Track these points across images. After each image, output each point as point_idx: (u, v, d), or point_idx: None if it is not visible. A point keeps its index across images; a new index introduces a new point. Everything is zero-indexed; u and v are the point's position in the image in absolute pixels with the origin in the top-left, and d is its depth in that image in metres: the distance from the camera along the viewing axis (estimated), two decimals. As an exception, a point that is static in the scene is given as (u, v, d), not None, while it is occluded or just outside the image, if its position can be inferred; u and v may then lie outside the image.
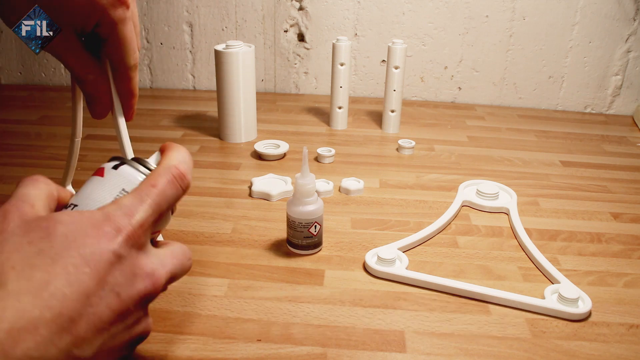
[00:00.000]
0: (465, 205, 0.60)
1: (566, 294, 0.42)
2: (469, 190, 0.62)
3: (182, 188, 0.31)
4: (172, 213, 0.34)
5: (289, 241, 0.50)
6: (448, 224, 0.55)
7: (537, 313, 0.42)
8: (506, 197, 0.61)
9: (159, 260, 0.29)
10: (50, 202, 0.30)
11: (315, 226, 0.47)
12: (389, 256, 0.47)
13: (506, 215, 0.58)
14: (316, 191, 0.60)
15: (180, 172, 0.31)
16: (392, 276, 0.46)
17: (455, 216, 0.57)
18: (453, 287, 0.44)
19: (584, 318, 0.42)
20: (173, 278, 0.31)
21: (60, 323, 0.24)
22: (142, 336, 0.30)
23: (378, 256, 0.47)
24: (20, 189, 0.29)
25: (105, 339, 0.26)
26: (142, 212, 0.28)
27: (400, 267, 0.47)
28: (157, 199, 0.29)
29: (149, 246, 0.29)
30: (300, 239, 0.48)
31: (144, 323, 0.29)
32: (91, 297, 0.25)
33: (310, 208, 0.47)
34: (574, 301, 0.42)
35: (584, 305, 0.42)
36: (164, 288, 0.30)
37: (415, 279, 0.45)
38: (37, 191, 0.29)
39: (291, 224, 0.48)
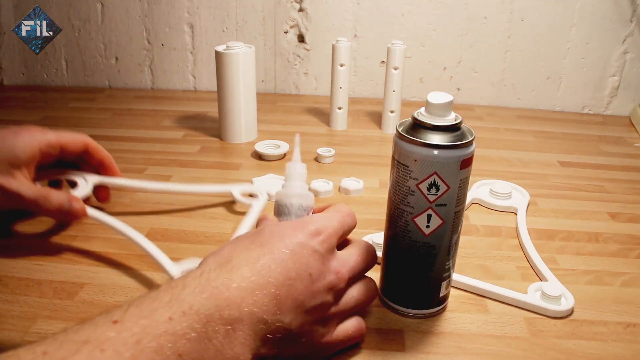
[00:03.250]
0: (474, 202, 0.61)
1: (549, 292, 0.43)
2: (482, 190, 0.62)
3: (354, 223, 0.38)
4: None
5: None
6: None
7: (521, 308, 0.43)
8: (518, 197, 0.61)
9: (342, 260, 0.36)
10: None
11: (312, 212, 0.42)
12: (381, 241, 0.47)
13: (507, 216, 0.58)
14: (315, 192, 0.61)
15: (353, 215, 0.38)
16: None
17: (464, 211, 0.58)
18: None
19: (565, 316, 0.42)
20: (356, 273, 0.36)
21: (268, 289, 0.31)
22: (333, 324, 0.35)
23: (372, 240, 0.49)
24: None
25: (302, 310, 0.32)
26: (335, 222, 0.36)
27: None
28: (344, 219, 0.37)
29: (336, 250, 0.36)
30: None
31: (334, 314, 0.35)
32: (290, 272, 0.32)
33: (305, 192, 0.41)
34: (557, 298, 0.43)
35: (566, 302, 0.43)
36: (348, 282, 0.35)
37: None
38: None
39: (284, 210, 0.40)
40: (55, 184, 0.54)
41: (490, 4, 0.91)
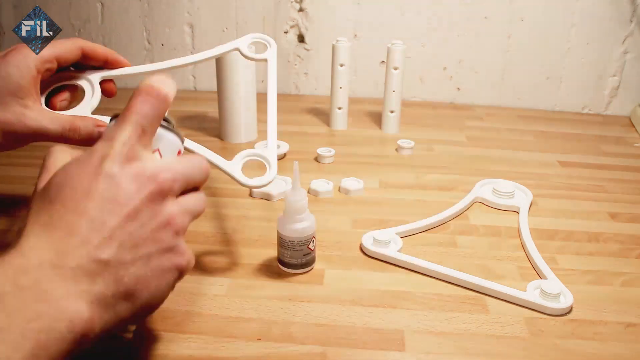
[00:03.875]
0: (477, 201, 0.61)
1: (548, 289, 0.43)
2: (485, 189, 0.63)
3: (156, 99, 0.33)
4: (172, 126, 0.37)
5: (284, 262, 0.46)
6: (454, 217, 0.56)
7: (520, 306, 0.43)
8: (521, 196, 0.61)
9: (162, 164, 0.31)
10: None
11: (313, 241, 0.46)
12: (384, 238, 0.49)
13: (507, 215, 0.58)
14: (316, 193, 0.61)
15: (148, 86, 0.33)
16: (385, 257, 0.48)
17: (465, 210, 0.59)
18: (439, 272, 0.46)
19: (563, 313, 0.42)
20: (184, 182, 0.32)
21: (66, 236, 0.28)
22: (172, 236, 0.31)
23: (374, 238, 0.49)
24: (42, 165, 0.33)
25: (124, 238, 0.29)
26: (120, 133, 0.30)
27: (394, 249, 0.49)
28: (132, 118, 0.31)
29: (147, 155, 0.31)
30: (299, 258, 0.45)
31: (168, 220, 0.31)
32: (87, 209, 0.28)
33: (306, 224, 0.44)
34: (556, 296, 0.43)
35: (565, 300, 0.43)
36: (172, 189, 0.31)
37: (405, 262, 0.48)
38: (54, 161, 0.33)
39: (288, 244, 0.45)
40: (58, 90, 0.49)
41: (491, 4, 0.91)
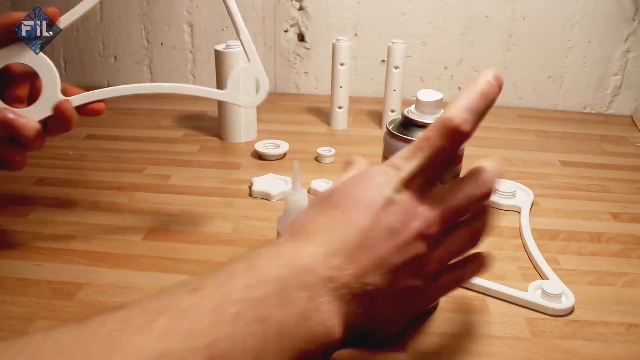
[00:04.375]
0: None
1: (549, 290, 0.43)
2: None
3: (454, 138, 0.31)
4: (459, 162, 0.37)
5: None
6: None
7: (522, 306, 0.43)
8: (522, 196, 0.61)
9: (435, 200, 0.31)
10: None
11: None
12: None
13: (509, 215, 0.58)
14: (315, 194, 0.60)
15: (448, 124, 0.30)
16: None
17: None
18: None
19: (565, 314, 0.42)
20: (457, 210, 0.31)
21: (345, 253, 0.29)
22: (428, 276, 0.31)
23: None
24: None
25: (388, 269, 0.29)
26: (413, 163, 0.31)
27: None
28: (427, 151, 0.31)
29: (428, 187, 0.31)
30: None
31: (428, 262, 0.31)
32: (367, 231, 0.29)
33: None
34: (557, 297, 0.42)
35: (567, 301, 0.43)
36: (445, 224, 0.31)
37: None
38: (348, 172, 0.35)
39: None
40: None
41: (492, 3, 0.91)
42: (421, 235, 0.30)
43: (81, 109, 0.44)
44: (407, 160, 0.31)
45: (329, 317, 0.27)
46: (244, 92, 0.45)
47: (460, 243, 0.32)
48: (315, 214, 0.31)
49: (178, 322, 0.24)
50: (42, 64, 0.42)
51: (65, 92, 0.43)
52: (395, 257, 0.29)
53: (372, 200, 0.30)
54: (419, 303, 0.33)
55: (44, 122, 0.43)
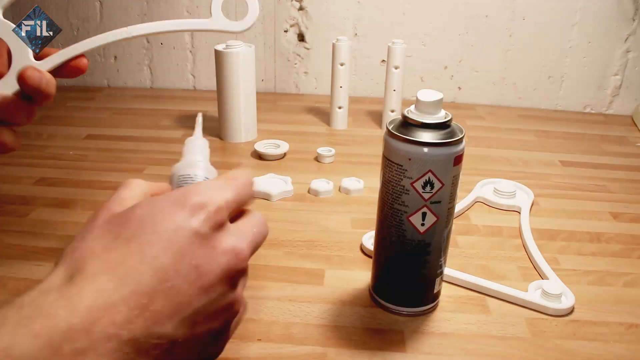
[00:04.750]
0: (478, 201, 0.60)
1: (549, 290, 0.43)
2: (486, 189, 0.62)
3: (251, 193, 0.31)
4: (459, 163, 0.36)
5: None
6: (455, 217, 0.56)
7: (522, 306, 0.43)
8: (522, 196, 0.61)
9: (239, 235, 0.28)
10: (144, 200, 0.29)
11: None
12: None
13: (509, 215, 0.58)
14: (317, 191, 0.60)
15: (249, 177, 0.31)
16: None
17: (466, 210, 0.58)
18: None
19: (565, 314, 0.42)
20: (255, 248, 0.30)
21: (136, 299, 0.24)
22: (233, 314, 0.28)
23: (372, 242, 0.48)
24: (116, 192, 0.30)
25: (188, 314, 0.25)
26: (225, 193, 0.28)
27: None
28: (238, 188, 0.29)
29: (228, 224, 0.28)
30: None
31: (234, 302, 0.28)
32: (168, 271, 0.25)
33: (210, 166, 0.36)
34: (557, 297, 0.42)
35: (567, 301, 0.43)
36: (246, 267, 0.29)
37: None
38: (130, 192, 0.30)
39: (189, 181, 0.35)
40: None
41: (492, 3, 0.91)
42: (229, 273, 0.27)
43: (61, 71, 0.40)
44: (220, 186, 0.28)
45: None
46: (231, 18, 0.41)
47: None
48: (104, 247, 0.25)
49: None
50: (2, 29, 0.38)
51: (44, 57, 0.39)
52: (199, 300, 0.26)
53: (175, 232, 0.26)
54: (221, 345, 0.29)
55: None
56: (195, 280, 0.25)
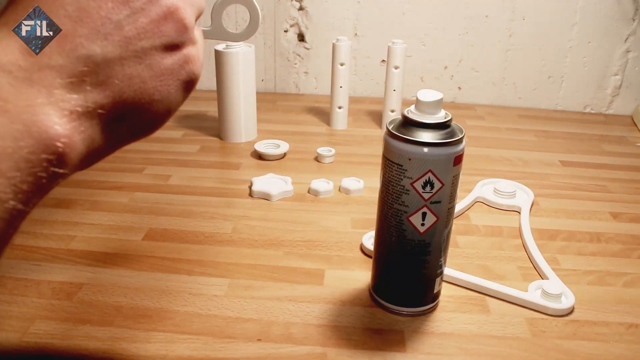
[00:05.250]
0: (478, 201, 0.60)
1: (549, 290, 0.43)
2: (486, 189, 0.62)
3: None
4: (459, 163, 0.35)
5: None
6: (455, 217, 0.56)
7: (522, 306, 0.43)
8: (522, 196, 0.61)
9: None
10: None
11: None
12: None
13: (509, 215, 0.58)
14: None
15: None
16: None
17: (466, 210, 0.58)
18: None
19: (565, 314, 0.42)
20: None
21: (55, 25, 0.22)
22: (177, 32, 0.25)
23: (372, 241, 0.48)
24: None
25: (110, 30, 0.22)
26: None
27: None
28: None
29: None
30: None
31: (170, 13, 0.24)
32: None
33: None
34: (557, 297, 0.42)
35: (567, 301, 0.43)
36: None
37: None
38: None
39: None
40: None
41: (492, 3, 0.91)
42: None
43: None
44: None
45: (56, 109, 0.21)
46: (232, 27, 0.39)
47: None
48: (6, 7, 0.23)
49: None
50: None
51: None
52: (117, 10, 0.22)
53: None
54: (189, 69, 0.26)
55: None
56: None
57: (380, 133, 0.82)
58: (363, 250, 0.50)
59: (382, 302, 0.42)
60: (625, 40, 0.92)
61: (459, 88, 0.98)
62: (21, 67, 0.21)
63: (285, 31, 0.97)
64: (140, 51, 0.23)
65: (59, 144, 0.21)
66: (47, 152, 0.21)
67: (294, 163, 0.70)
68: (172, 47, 0.25)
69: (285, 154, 0.72)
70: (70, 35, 0.22)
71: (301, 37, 0.97)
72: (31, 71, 0.21)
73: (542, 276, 0.47)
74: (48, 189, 0.22)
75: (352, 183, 0.62)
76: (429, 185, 0.36)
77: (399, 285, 0.41)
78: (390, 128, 0.38)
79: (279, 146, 0.72)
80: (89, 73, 0.22)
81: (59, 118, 0.21)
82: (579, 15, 0.91)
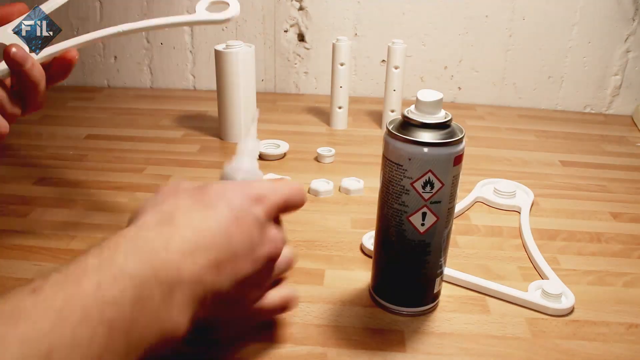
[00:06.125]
0: (478, 201, 0.60)
1: (549, 290, 0.43)
2: (486, 189, 0.62)
3: (301, 200, 0.37)
4: (459, 163, 0.37)
5: None
6: (455, 217, 0.56)
7: (522, 306, 0.43)
8: (523, 196, 0.61)
9: (279, 232, 0.35)
10: None
11: None
12: None
13: (509, 215, 0.58)
14: (315, 192, 0.60)
15: (304, 192, 0.37)
16: None
17: (466, 210, 0.58)
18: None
19: (565, 314, 0.42)
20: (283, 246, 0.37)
21: (209, 254, 0.30)
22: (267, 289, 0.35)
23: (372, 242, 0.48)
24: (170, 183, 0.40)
25: (241, 277, 0.31)
26: (280, 194, 0.35)
27: None
28: (290, 192, 0.36)
29: (272, 222, 0.35)
30: None
31: (269, 277, 0.35)
32: (234, 240, 0.31)
33: (255, 168, 0.43)
34: (557, 297, 0.42)
35: (567, 301, 0.43)
36: (281, 250, 0.36)
37: None
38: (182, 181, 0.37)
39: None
40: None
41: (492, 3, 0.91)
42: (269, 258, 0.34)
43: (53, 68, 0.43)
44: (279, 187, 0.35)
45: (179, 314, 0.28)
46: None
47: (283, 269, 0.37)
48: (187, 207, 0.32)
49: (8, 330, 0.22)
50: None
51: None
52: (248, 268, 0.32)
53: (242, 211, 0.32)
54: (250, 314, 0.35)
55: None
56: (250, 252, 0.32)
57: (380, 133, 0.81)
58: (363, 250, 0.50)
59: (382, 302, 0.42)
60: (625, 41, 0.92)
61: (459, 88, 0.98)
62: (186, 276, 0.29)
63: (285, 31, 0.97)
64: (239, 295, 0.33)
65: (177, 340, 0.29)
66: (168, 344, 0.28)
67: (294, 163, 0.70)
68: (254, 301, 0.35)
69: (285, 154, 0.71)
70: (221, 267, 0.31)
71: (301, 37, 0.97)
72: (191, 281, 0.29)
73: (542, 276, 0.47)
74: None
75: (352, 183, 0.62)
76: (429, 185, 0.36)
77: (399, 285, 0.41)
78: (390, 128, 0.38)
79: (279, 146, 0.72)
80: (213, 298, 0.30)
81: (187, 322, 0.29)
82: (579, 15, 0.91)
